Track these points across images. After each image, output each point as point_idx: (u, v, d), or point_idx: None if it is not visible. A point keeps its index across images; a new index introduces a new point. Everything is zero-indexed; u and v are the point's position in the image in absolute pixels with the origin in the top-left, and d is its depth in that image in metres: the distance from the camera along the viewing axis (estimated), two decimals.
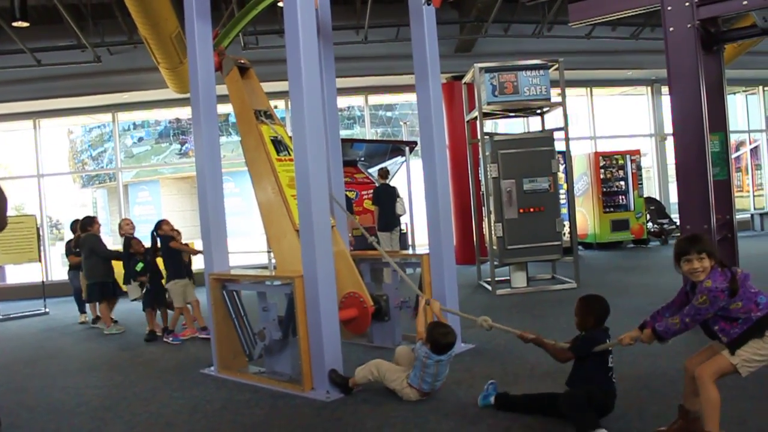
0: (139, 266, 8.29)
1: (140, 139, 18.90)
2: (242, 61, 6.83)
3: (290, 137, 6.15)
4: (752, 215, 17.18)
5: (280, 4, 6.10)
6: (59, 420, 4.90)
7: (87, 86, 13.02)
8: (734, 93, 18.36)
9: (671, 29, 6.68)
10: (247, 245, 14.32)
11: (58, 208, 20.77)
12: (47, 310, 11.05)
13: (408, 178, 12.27)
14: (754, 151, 18.74)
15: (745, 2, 6.48)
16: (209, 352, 6.29)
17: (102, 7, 12.30)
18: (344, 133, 14.85)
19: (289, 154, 6.33)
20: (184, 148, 18.51)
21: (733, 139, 18.33)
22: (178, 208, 19.18)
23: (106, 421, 4.80)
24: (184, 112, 16.07)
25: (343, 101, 15.81)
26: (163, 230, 8.16)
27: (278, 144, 6.38)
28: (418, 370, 4.70)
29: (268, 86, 13.35)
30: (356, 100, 16.01)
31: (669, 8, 6.66)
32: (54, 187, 16.21)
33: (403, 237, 12.16)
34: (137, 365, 6.65)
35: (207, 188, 6.10)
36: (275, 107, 16.09)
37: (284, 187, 6.04)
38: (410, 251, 11.66)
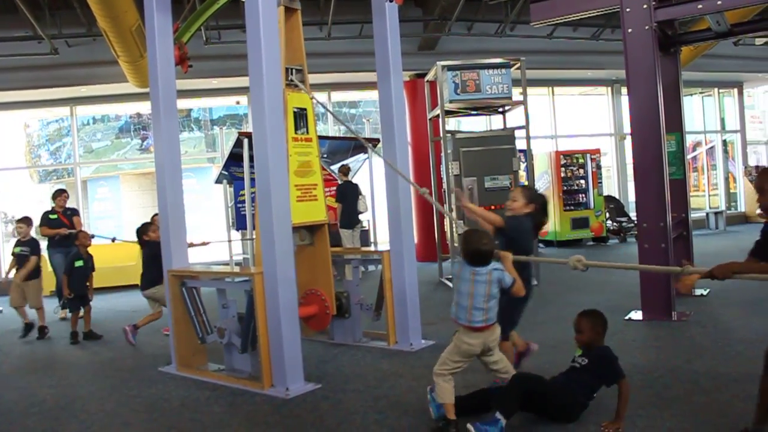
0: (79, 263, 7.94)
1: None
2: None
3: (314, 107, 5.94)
4: (707, 214, 17.55)
5: None
6: (11, 421, 4.80)
7: (44, 79, 12.72)
8: (691, 94, 18.73)
9: (630, 30, 6.80)
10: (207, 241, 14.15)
11: (14, 203, 20.27)
12: (1, 308, 10.78)
13: (370, 175, 12.26)
14: (710, 152, 19.16)
15: (700, 6, 6.63)
16: (168, 350, 6.22)
17: None
18: None
19: (308, 132, 5.93)
20: (145, 143, 18.23)
21: (690, 139, 18.70)
22: (138, 204, 18.85)
23: (60, 421, 4.72)
24: (145, 107, 15.81)
25: None
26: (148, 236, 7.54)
27: (300, 118, 5.85)
28: (454, 293, 4.19)
29: (230, 82, 13.35)
30: (319, 97, 15.92)
31: (628, 10, 6.78)
32: (9, 182, 15.84)
33: (364, 234, 12.16)
34: (93, 364, 6.53)
35: (166, 184, 6.01)
36: (237, 103, 16.06)
37: (290, 173, 5.60)
38: (372, 248, 11.67)
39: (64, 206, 9.51)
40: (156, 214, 7.96)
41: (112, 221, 16.59)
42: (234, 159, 10.76)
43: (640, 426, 3.86)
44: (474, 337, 4.02)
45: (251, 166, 10.04)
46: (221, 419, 4.52)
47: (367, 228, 12.41)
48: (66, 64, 12.56)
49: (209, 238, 9.80)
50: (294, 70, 5.94)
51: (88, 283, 7.96)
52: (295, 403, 4.74)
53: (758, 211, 8.11)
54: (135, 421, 4.61)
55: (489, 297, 3.98)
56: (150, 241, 7.38)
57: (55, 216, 9.37)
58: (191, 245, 7.31)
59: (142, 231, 7.58)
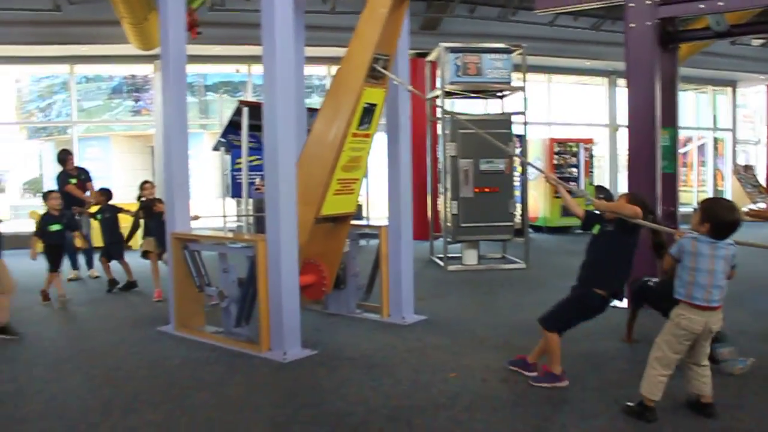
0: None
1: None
2: None
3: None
4: (695, 209, 17.76)
5: None
6: (15, 369, 4.94)
7: (44, 35, 12.63)
8: (685, 90, 18.94)
9: (632, 25, 6.93)
10: (196, 209, 14.25)
11: (1, 158, 20.31)
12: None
13: None
14: (701, 149, 19.41)
15: (702, 6, 6.78)
16: (164, 310, 6.38)
17: None
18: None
19: (370, 128, 5.88)
20: (137, 105, 18.22)
21: (682, 135, 18.95)
22: (129, 166, 18.90)
23: (64, 372, 4.86)
24: (143, 69, 15.78)
25: (305, 70, 15.71)
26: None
27: (367, 114, 5.78)
28: (684, 271, 3.73)
29: (231, 50, 13.37)
30: (320, 71, 15.96)
31: (631, 5, 6.90)
32: None
33: (358, 208, 12.31)
34: (92, 320, 6.66)
35: (172, 147, 6.13)
36: (237, 71, 16.05)
37: (339, 167, 5.72)
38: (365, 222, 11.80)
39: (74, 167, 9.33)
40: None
41: (102, 182, 16.61)
42: (233, 127, 10.82)
43: (607, 401, 4.05)
44: (699, 314, 3.70)
45: (250, 135, 10.15)
46: (222, 378, 4.68)
47: (361, 203, 12.53)
48: (67, 21, 12.50)
49: (201, 206, 9.83)
50: (381, 59, 5.68)
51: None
52: (292, 367, 4.92)
53: (745, 209, 8.28)
54: (138, 375, 4.76)
55: (725, 274, 3.70)
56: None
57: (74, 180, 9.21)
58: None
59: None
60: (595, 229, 4.43)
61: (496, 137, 9.52)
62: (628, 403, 3.90)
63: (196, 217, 7.62)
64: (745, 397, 4.15)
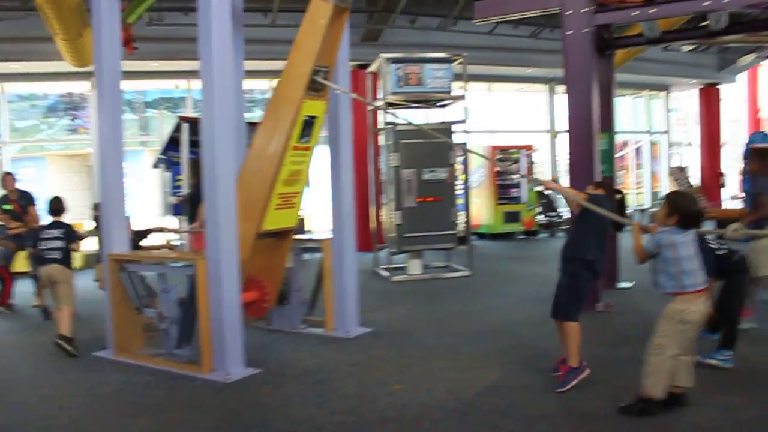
0: None
1: None
2: None
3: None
4: (633, 211, 18.26)
5: None
6: None
7: None
8: (622, 95, 19.40)
9: (569, 33, 7.07)
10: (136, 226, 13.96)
11: None
12: None
13: None
14: (637, 152, 19.92)
15: (634, 13, 6.97)
16: (100, 335, 6.14)
17: None
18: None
19: (310, 141, 5.79)
20: (74, 123, 17.76)
21: (619, 138, 19.44)
22: (66, 186, 18.39)
23: None
24: (79, 86, 15.38)
25: (246, 84, 15.53)
26: None
27: (307, 126, 5.68)
28: (667, 264, 3.90)
29: (170, 65, 13.14)
30: (260, 84, 15.82)
31: (568, 12, 7.05)
32: None
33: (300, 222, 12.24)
34: (24, 348, 6.37)
35: (108, 167, 5.95)
36: (176, 86, 15.78)
37: (279, 182, 5.61)
38: (308, 236, 11.72)
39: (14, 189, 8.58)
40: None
41: (37, 203, 16.07)
42: (173, 143, 10.62)
43: (568, 407, 4.10)
44: (697, 302, 3.87)
45: (190, 151, 9.96)
46: (161, 403, 4.55)
47: (302, 216, 12.43)
48: None
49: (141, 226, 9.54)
50: (322, 72, 5.60)
51: None
52: (236, 387, 4.81)
53: None
54: (72, 404, 4.57)
55: (698, 257, 3.91)
56: None
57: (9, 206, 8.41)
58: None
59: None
60: None
61: (438, 146, 9.70)
62: (622, 405, 3.99)
63: (158, 230, 7.46)
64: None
